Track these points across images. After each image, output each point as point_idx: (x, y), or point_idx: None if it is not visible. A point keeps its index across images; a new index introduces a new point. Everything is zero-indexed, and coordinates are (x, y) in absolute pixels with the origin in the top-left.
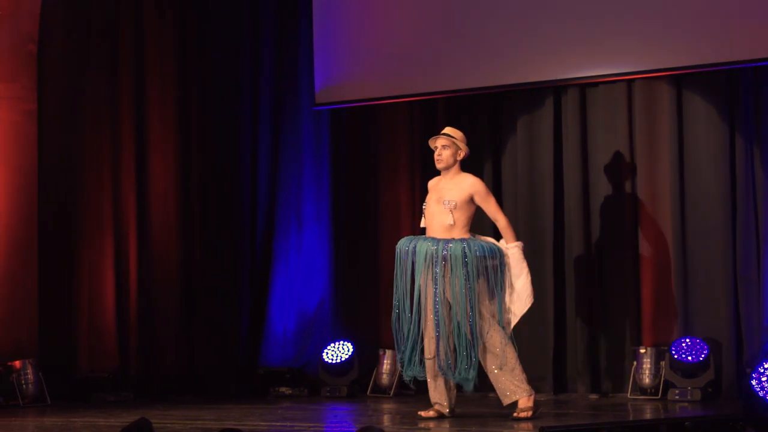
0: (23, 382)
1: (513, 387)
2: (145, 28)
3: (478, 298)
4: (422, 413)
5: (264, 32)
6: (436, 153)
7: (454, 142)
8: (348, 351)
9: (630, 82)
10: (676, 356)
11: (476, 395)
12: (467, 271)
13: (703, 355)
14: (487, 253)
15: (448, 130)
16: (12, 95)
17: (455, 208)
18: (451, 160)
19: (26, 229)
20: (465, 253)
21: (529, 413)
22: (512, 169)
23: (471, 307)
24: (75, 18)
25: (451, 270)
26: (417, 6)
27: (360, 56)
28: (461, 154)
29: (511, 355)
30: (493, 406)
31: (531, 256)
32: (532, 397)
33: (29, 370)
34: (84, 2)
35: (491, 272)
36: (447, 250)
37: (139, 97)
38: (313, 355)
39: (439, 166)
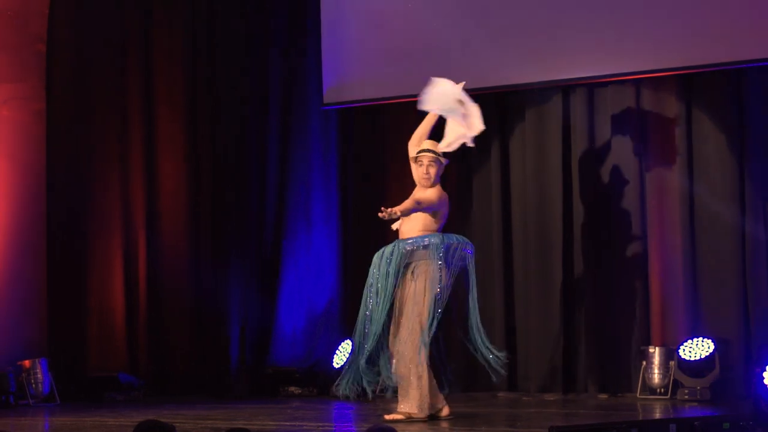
0: (33, 381)
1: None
2: (154, 28)
3: (409, 298)
4: (387, 416)
5: (272, 32)
6: (423, 170)
7: (438, 159)
8: None
9: (638, 82)
10: (683, 356)
11: (486, 395)
12: (390, 270)
13: (709, 355)
14: (416, 248)
15: (430, 145)
16: (21, 95)
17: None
18: (435, 178)
19: (35, 229)
20: (392, 251)
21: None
22: (521, 168)
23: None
24: (84, 18)
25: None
26: (425, 6)
27: (368, 56)
28: (443, 168)
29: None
30: (501, 406)
31: (540, 255)
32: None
33: (39, 370)
34: (92, 2)
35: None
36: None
37: (147, 97)
38: (323, 354)
39: (426, 184)
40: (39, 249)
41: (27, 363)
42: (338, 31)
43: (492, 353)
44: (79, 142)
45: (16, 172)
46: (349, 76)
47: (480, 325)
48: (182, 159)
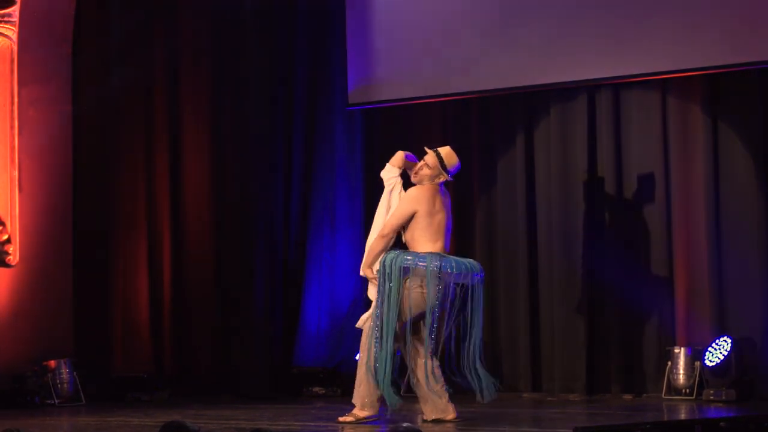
0: (58, 381)
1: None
2: (180, 28)
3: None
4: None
5: (298, 32)
6: (418, 164)
7: (437, 167)
8: None
9: (664, 82)
10: (708, 356)
11: (510, 395)
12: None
13: (732, 355)
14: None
15: (446, 155)
16: (47, 96)
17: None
18: (425, 181)
19: (61, 229)
20: (392, 261)
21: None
22: (546, 167)
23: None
24: (109, 19)
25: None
26: (450, 7)
27: (393, 57)
28: (441, 179)
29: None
30: (525, 406)
31: (564, 254)
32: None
33: (64, 370)
34: (118, 3)
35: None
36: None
37: (173, 97)
38: (347, 355)
39: (413, 179)
40: (65, 250)
41: (52, 363)
42: (363, 32)
43: (485, 379)
44: (104, 143)
45: (42, 173)
46: (374, 77)
47: (479, 350)
48: (207, 161)
